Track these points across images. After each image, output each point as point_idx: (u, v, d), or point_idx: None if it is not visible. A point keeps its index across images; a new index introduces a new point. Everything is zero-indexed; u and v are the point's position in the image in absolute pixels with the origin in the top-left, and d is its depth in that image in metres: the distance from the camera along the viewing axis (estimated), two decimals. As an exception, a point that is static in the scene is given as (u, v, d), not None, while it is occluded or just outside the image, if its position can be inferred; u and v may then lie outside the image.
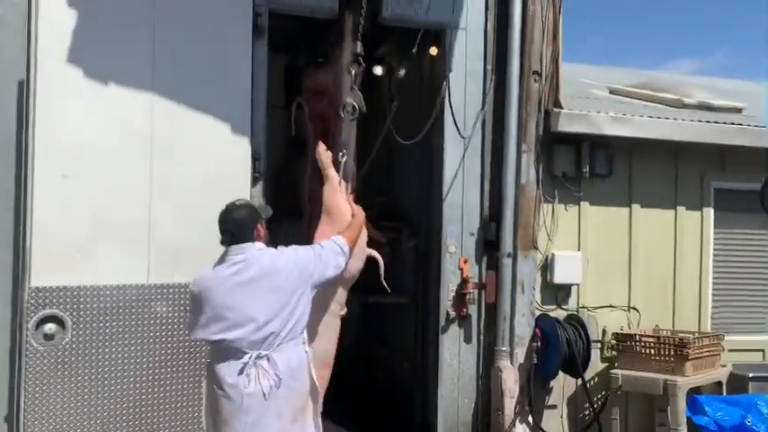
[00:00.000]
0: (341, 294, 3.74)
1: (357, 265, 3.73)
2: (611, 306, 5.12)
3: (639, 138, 5.10)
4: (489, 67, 4.89)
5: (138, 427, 3.83)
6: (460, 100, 4.83)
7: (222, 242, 3.13)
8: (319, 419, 3.25)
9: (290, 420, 3.02)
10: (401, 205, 6.31)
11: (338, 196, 3.75)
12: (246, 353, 2.97)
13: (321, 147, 3.90)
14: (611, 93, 6.50)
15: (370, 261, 3.93)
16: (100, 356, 3.75)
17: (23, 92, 3.73)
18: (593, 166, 5.03)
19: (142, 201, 3.90)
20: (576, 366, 4.64)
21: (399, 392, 5.98)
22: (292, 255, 3.14)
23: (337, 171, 3.84)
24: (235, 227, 3.07)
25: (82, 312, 3.72)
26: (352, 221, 3.58)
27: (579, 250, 5.05)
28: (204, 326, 3.02)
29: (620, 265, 5.18)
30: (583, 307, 5.04)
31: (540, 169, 4.88)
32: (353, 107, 3.89)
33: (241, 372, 2.95)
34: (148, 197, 3.91)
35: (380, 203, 6.28)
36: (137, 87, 3.89)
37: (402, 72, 6.12)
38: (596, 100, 5.62)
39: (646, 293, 5.21)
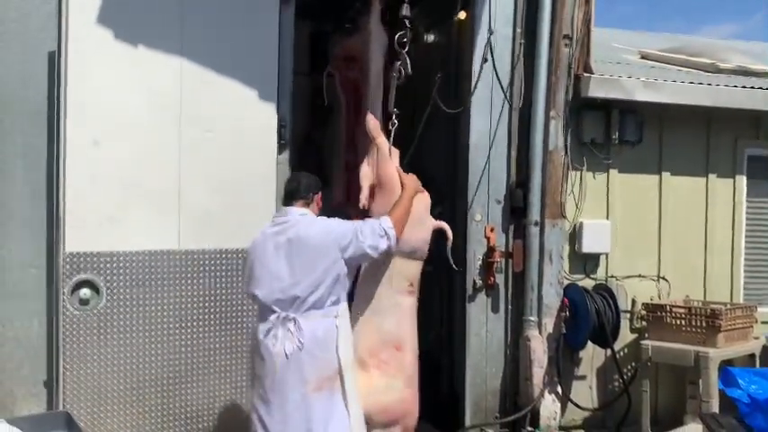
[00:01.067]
0: (408, 269, 3.57)
1: (421, 235, 3.58)
2: (640, 276, 5.06)
3: (671, 103, 4.98)
4: (519, 31, 4.79)
5: (173, 390, 3.90)
6: (489, 65, 4.75)
7: (284, 194, 3.31)
8: (353, 401, 3.16)
9: (313, 388, 3.03)
10: (427, 172, 6.25)
11: (389, 165, 3.67)
12: (275, 312, 3.06)
13: (369, 116, 3.84)
14: (642, 58, 6.33)
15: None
16: (134, 321, 3.81)
17: (53, 60, 3.74)
18: (622, 133, 4.94)
19: (172, 168, 3.92)
20: (605, 336, 4.61)
21: (426, 361, 5.99)
22: (329, 226, 3.16)
23: (388, 139, 3.78)
24: (304, 180, 3.28)
25: (115, 278, 3.77)
26: (400, 197, 3.46)
27: (608, 219, 4.98)
28: (247, 280, 3.23)
29: (649, 234, 5.11)
30: (611, 276, 4.99)
31: (569, 136, 4.80)
32: (399, 71, 3.84)
33: (269, 331, 3.06)
34: (177, 164, 3.93)
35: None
36: (166, 53, 3.88)
37: (431, 37, 6.02)
38: (627, 65, 5.49)
39: (676, 263, 5.14)
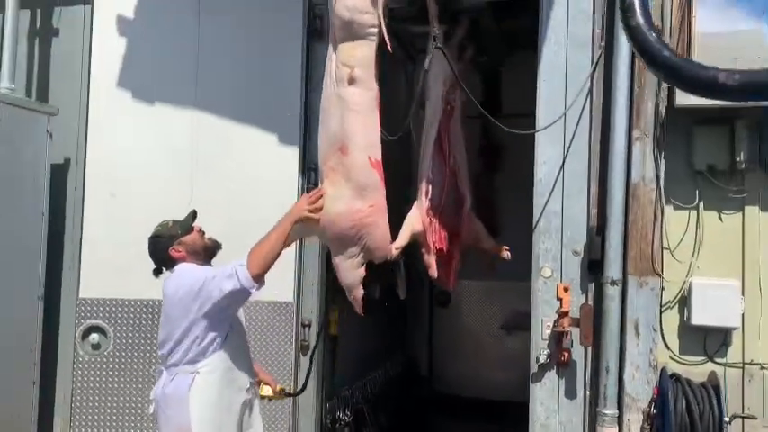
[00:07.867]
0: (349, 50, 2.95)
1: None
2: (802, 363, 3.34)
3: None
4: (599, 31, 3.72)
5: None
6: (560, 76, 3.77)
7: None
8: None
9: None
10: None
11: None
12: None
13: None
14: None
15: None
16: (141, 365, 3.90)
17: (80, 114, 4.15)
18: (759, 153, 3.39)
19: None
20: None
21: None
22: (181, 281, 2.88)
23: None
24: (153, 260, 3.09)
25: (123, 323, 3.91)
26: (275, 226, 2.89)
27: (743, 277, 3.42)
28: None
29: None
30: (752, 363, 3.39)
31: (662, 162, 3.48)
32: None
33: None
34: (190, 213, 3.96)
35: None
36: (180, 105, 3.98)
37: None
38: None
39: None
